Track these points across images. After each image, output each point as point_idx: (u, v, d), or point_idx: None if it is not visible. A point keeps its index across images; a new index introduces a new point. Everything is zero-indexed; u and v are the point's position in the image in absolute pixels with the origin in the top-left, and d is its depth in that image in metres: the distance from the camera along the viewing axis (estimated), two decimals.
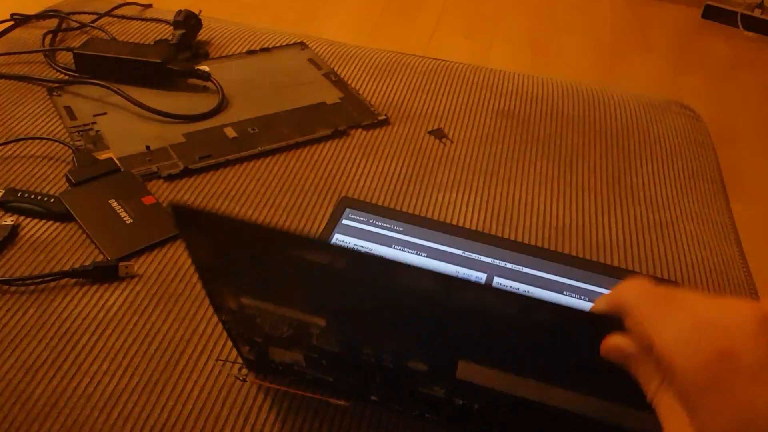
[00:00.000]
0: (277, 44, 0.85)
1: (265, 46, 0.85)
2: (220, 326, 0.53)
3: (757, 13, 2.37)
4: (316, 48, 0.86)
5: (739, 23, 2.36)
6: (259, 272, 0.37)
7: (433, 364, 0.39)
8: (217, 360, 0.51)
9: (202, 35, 0.85)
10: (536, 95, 0.87)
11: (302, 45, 0.86)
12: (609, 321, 0.30)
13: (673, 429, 0.27)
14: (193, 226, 0.35)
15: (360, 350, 0.40)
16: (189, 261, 0.58)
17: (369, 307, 0.36)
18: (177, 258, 0.58)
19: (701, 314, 0.28)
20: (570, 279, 0.58)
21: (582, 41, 2.22)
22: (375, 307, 0.36)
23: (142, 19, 0.89)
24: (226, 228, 0.34)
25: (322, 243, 0.34)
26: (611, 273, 0.59)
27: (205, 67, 0.77)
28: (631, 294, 0.30)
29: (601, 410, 0.37)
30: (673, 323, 0.28)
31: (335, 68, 0.83)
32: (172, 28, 0.84)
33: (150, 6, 0.95)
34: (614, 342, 0.30)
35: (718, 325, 0.27)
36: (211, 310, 0.54)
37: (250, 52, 0.83)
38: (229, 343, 0.52)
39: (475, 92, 0.86)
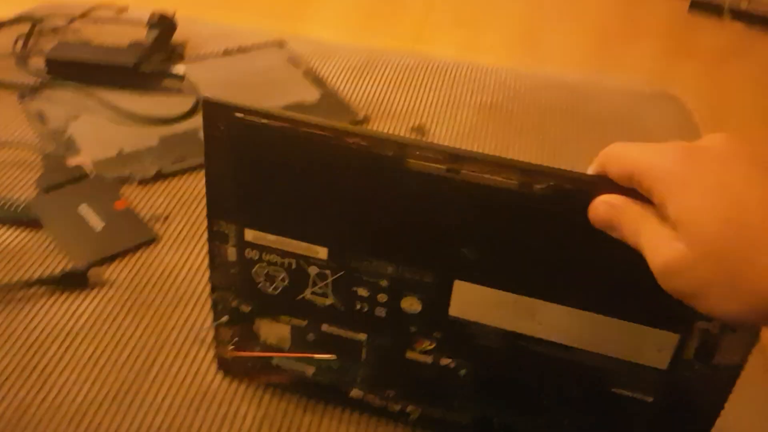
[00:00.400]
0: (255, 43, 0.84)
1: (243, 45, 0.83)
2: (193, 334, 0.51)
3: (744, 5, 2.36)
4: (295, 46, 0.85)
5: (727, 15, 2.36)
6: (278, 181, 0.38)
7: (427, 296, 0.39)
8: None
9: (177, 36, 0.84)
10: (519, 88, 0.85)
11: (280, 44, 0.84)
12: (599, 182, 0.33)
13: (655, 248, 0.30)
14: (222, 120, 0.37)
15: (354, 296, 0.41)
16: (161, 268, 0.56)
17: (375, 205, 0.37)
18: (149, 264, 0.56)
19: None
20: None
21: (570, 35, 2.21)
22: (382, 202, 0.37)
23: (117, 22, 0.87)
24: (257, 118, 0.37)
25: (357, 130, 0.36)
26: None
27: (180, 69, 0.76)
28: (609, 148, 0.34)
29: (597, 338, 0.38)
30: (649, 148, 0.32)
31: (315, 67, 0.82)
32: (146, 30, 0.82)
33: (126, 9, 0.93)
34: (600, 198, 0.33)
35: (690, 142, 0.32)
36: (184, 317, 0.52)
37: (227, 52, 0.81)
38: (202, 352, 0.50)
39: (457, 88, 0.84)
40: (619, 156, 0.33)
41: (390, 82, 0.83)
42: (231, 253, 0.41)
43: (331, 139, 0.36)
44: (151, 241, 0.58)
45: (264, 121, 0.37)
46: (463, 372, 0.42)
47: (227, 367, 0.48)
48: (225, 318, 0.45)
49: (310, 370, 0.46)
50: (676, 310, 0.34)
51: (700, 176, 0.29)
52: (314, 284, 0.41)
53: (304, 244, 0.40)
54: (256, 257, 0.41)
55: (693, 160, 0.30)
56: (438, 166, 0.35)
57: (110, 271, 0.55)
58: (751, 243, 0.27)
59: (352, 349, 0.43)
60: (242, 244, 0.41)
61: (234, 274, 0.42)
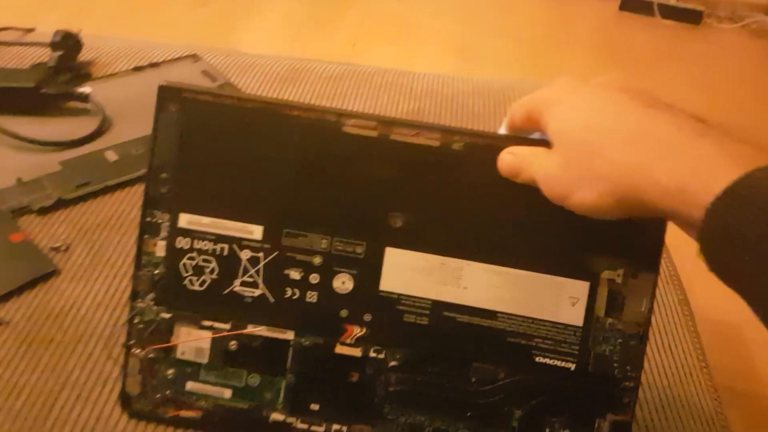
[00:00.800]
0: (168, 58, 0.80)
1: (154, 61, 0.79)
2: (95, 373, 0.47)
3: (672, 1, 2.42)
4: (211, 60, 0.81)
5: (656, 12, 2.41)
6: (221, 159, 0.41)
7: (359, 271, 0.41)
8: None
9: (85, 55, 0.79)
10: (447, 94, 0.84)
11: (195, 57, 0.80)
12: (506, 138, 0.40)
13: (539, 167, 0.36)
14: (174, 101, 0.41)
15: (286, 281, 0.42)
16: (61, 302, 0.52)
17: (312, 173, 0.41)
18: (48, 300, 0.52)
19: None
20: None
21: (506, 41, 2.22)
22: (319, 170, 0.41)
23: (20, 44, 0.82)
24: (206, 96, 0.41)
25: (297, 103, 0.42)
26: None
27: (86, 89, 0.71)
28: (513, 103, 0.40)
29: (518, 297, 0.41)
30: (540, 89, 0.38)
31: (232, 79, 0.78)
32: (50, 50, 0.77)
33: (32, 30, 0.88)
34: (505, 150, 0.39)
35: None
36: (85, 355, 0.48)
37: (137, 69, 0.77)
38: (105, 393, 0.46)
39: (383, 95, 0.82)
40: (519, 104, 0.39)
41: (314, 92, 0.80)
42: (160, 247, 0.42)
43: (273, 112, 0.41)
44: (51, 273, 0.53)
45: (211, 99, 0.41)
46: (392, 363, 0.42)
47: (133, 404, 0.44)
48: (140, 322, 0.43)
49: (227, 393, 0.43)
50: (584, 256, 0.40)
51: (572, 98, 0.36)
52: (245, 272, 0.42)
53: (240, 225, 0.42)
54: (187, 246, 0.42)
55: (571, 88, 0.37)
56: (371, 130, 0.40)
57: (5, 310, 0.51)
58: (603, 142, 0.33)
59: (277, 355, 0.42)
60: (174, 234, 0.42)
61: (159, 273, 0.42)
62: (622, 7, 2.45)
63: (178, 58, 0.80)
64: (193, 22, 2.14)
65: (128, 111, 0.71)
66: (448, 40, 2.21)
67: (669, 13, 2.41)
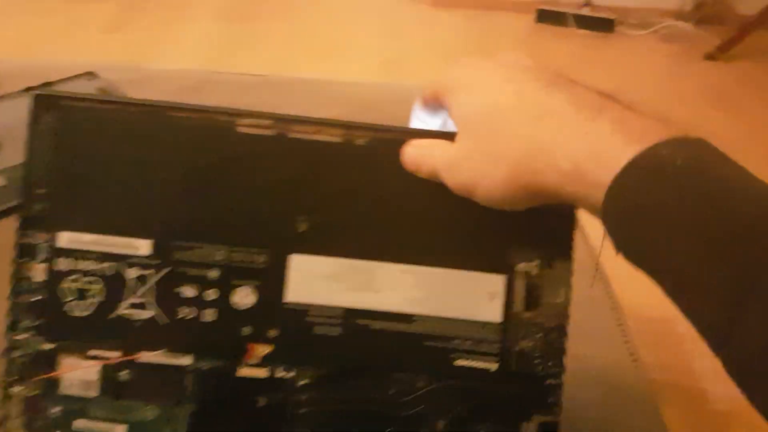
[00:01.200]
0: (62, 78, 0.74)
1: (49, 80, 0.74)
2: None
3: (585, 11, 2.49)
4: (110, 76, 0.76)
5: (571, 23, 2.47)
6: (103, 170, 0.38)
7: (262, 282, 0.38)
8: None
9: None
10: (375, 100, 0.81)
11: (91, 75, 0.75)
12: (410, 131, 0.38)
13: (440, 157, 0.35)
14: (49, 111, 0.38)
15: (179, 300, 0.38)
16: None
17: (205, 180, 0.38)
18: None
19: None
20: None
21: (430, 54, 2.24)
22: (212, 175, 0.38)
23: None
24: (84, 103, 0.38)
25: (185, 104, 0.38)
26: None
27: None
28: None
29: (434, 296, 0.38)
30: (448, 66, 0.37)
31: (132, 94, 0.73)
32: None
33: None
34: (408, 143, 0.37)
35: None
36: None
37: (28, 89, 0.72)
38: None
39: (301, 103, 0.78)
40: (429, 81, 0.38)
41: (223, 102, 0.76)
42: (38, 271, 0.38)
43: (159, 115, 0.38)
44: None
45: (92, 105, 0.38)
46: (302, 382, 0.38)
47: None
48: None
49: (120, 430, 0.39)
50: (497, 249, 0.39)
51: (474, 81, 0.35)
52: (133, 293, 0.38)
53: (126, 240, 0.38)
54: (69, 268, 0.38)
55: (474, 69, 0.35)
56: (266, 129, 0.38)
57: None
58: (502, 120, 0.32)
59: (174, 383, 0.38)
60: (54, 254, 0.38)
61: (38, 301, 0.38)
62: (539, 19, 2.52)
63: (74, 76, 0.75)
64: (105, 49, 2.07)
65: (17, 133, 0.65)
66: (373, 55, 2.21)
67: (583, 23, 2.48)
